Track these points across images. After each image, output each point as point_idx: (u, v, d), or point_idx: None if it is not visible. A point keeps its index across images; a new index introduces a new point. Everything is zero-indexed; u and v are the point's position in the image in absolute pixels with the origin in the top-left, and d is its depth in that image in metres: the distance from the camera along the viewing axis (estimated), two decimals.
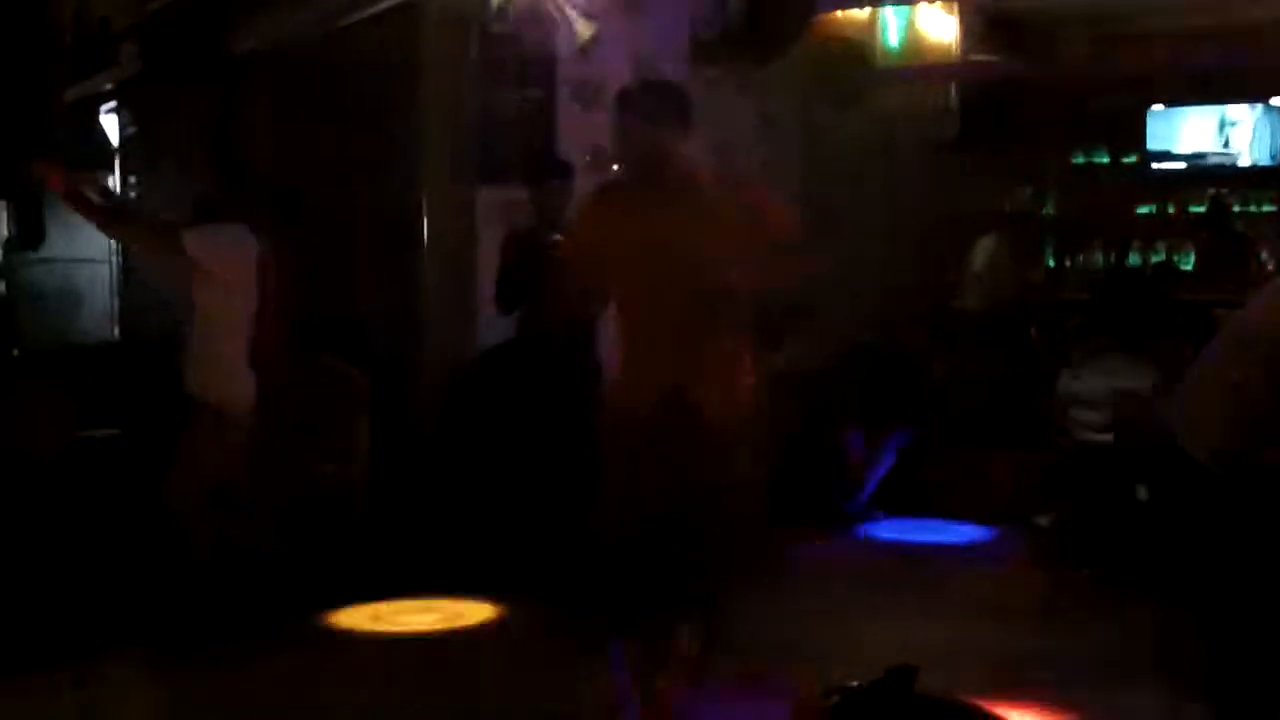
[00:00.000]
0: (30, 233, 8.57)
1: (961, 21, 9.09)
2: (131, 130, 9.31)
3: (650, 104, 3.63)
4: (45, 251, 8.99)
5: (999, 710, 1.17)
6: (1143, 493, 5.96)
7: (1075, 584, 5.72)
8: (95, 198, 6.27)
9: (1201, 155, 9.57)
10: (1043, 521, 6.44)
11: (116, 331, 9.27)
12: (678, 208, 3.49)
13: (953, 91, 9.34)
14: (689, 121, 3.63)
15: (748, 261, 3.51)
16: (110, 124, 9.51)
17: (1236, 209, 9.27)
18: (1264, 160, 9.39)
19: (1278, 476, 2.80)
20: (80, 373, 7.07)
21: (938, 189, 9.16)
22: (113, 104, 9.43)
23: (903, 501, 6.88)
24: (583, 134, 6.84)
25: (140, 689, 4.85)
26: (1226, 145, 9.53)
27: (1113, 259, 9.88)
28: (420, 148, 6.76)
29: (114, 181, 9.22)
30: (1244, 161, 9.47)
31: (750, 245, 3.50)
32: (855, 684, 1.24)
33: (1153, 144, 9.67)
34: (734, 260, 3.50)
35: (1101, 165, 10.14)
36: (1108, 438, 5.79)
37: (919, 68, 9.10)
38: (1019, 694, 4.18)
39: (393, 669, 4.75)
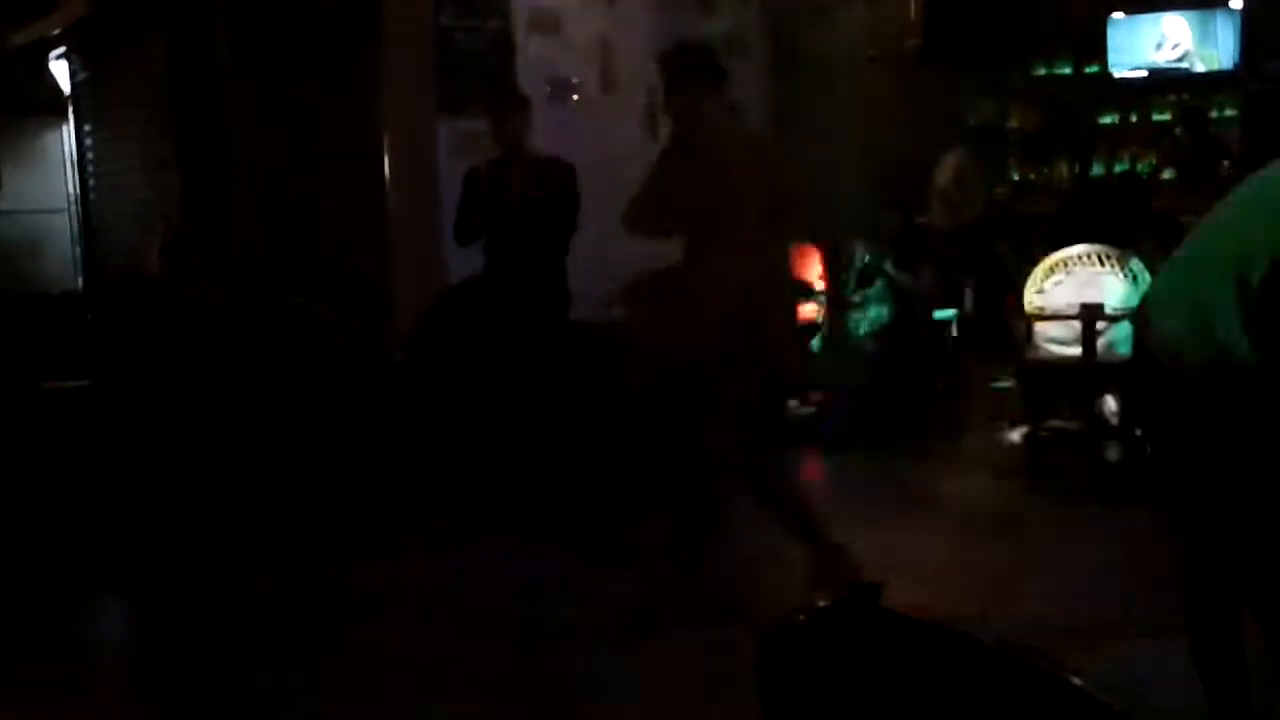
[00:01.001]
0: None
1: None
2: (83, 76, 9.15)
3: (688, 66, 4.41)
4: (5, 204, 8.88)
5: (969, 624, 1.20)
6: (1111, 405, 6.02)
7: (1046, 498, 5.79)
8: None
9: (1162, 63, 9.56)
10: (1014, 436, 6.50)
11: (80, 281, 9.20)
12: (715, 157, 4.33)
13: (916, 6, 9.29)
14: (723, 78, 4.47)
15: (764, 193, 4.30)
16: (60, 70, 9.34)
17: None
18: (1224, 65, 9.39)
19: (1243, 382, 2.83)
20: (46, 323, 7.01)
21: (902, 105, 9.15)
22: (62, 49, 9.26)
23: (876, 419, 6.93)
24: (542, 63, 6.77)
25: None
26: (1187, 53, 9.52)
27: (1078, 170, 9.90)
28: (381, 81, 6.69)
29: (68, 130, 9.08)
30: (1202, 68, 9.46)
31: (764, 181, 4.32)
32: (821, 602, 1.26)
33: (1114, 53, 9.65)
34: (761, 191, 4.28)
35: (1064, 76, 10.13)
36: (1076, 351, 5.82)
37: None
38: (994, 606, 4.25)
39: None
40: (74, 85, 9.20)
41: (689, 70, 4.43)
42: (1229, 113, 9.46)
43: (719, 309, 4.23)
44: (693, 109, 4.38)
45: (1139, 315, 3.21)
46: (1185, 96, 9.48)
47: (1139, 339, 3.11)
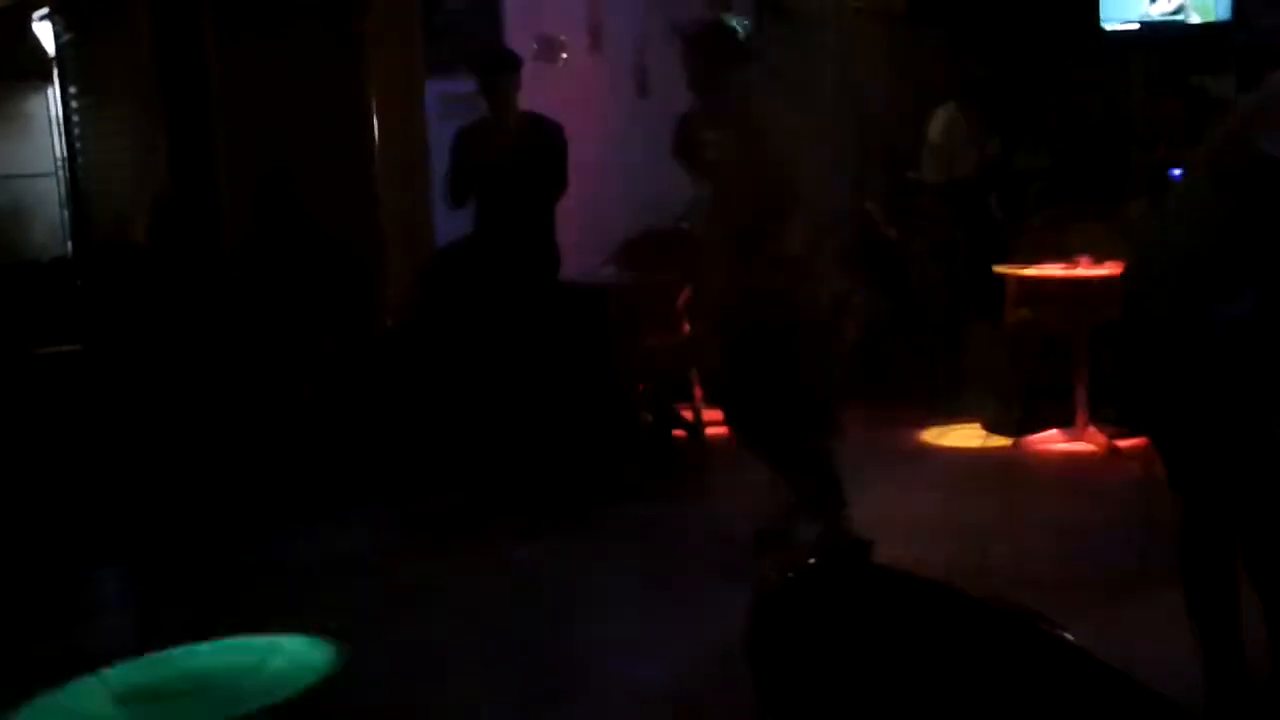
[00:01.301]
0: None
1: None
2: (68, 38, 9.06)
3: (711, 45, 4.46)
4: None
5: (962, 580, 1.20)
6: (1106, 359, 6.01)
7: (1040, 452, 5.80)
8: None
9: (1157, 16, 9.49)
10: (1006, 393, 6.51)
11: (70, 247, 9.14)
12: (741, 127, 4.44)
13: None
14: (748, 55, 4.52)
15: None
16: (44, 32, 9.24)
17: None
18: (1218, 17, 9.32)
19: (1230, 332, 2.83)
20: (36, 290, 6.98)
21: (892, 58, 9.08)
22: (45, 10, 9.16)
23: (868, 378, 6.93)
24: (530, 24, 6.71)
25: None
26: (1182, 5, 9.45)
27: (1071, 124, 9.84)
28: (368, 43, 6.64)
29: (53, 93, 8.99)
30: (1198, 19, 9.40)
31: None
32: (811, 561, 1.25)
33: (1106, 6, 9.58)
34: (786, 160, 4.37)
35: (1055, 29, 10.05)
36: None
37: None
38: (987, 561, 4.27)
39: None
40: (58, 47, 9.10)
41: (712, 55, 4.46)
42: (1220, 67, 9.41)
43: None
44: (721, 91, 4.45)
45: (1128, 269, 3.21)
46: (1177, 50, 9.41)
47: (1128, 293, 3.11)
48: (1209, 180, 2.95)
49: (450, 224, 6.12)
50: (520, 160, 5.56)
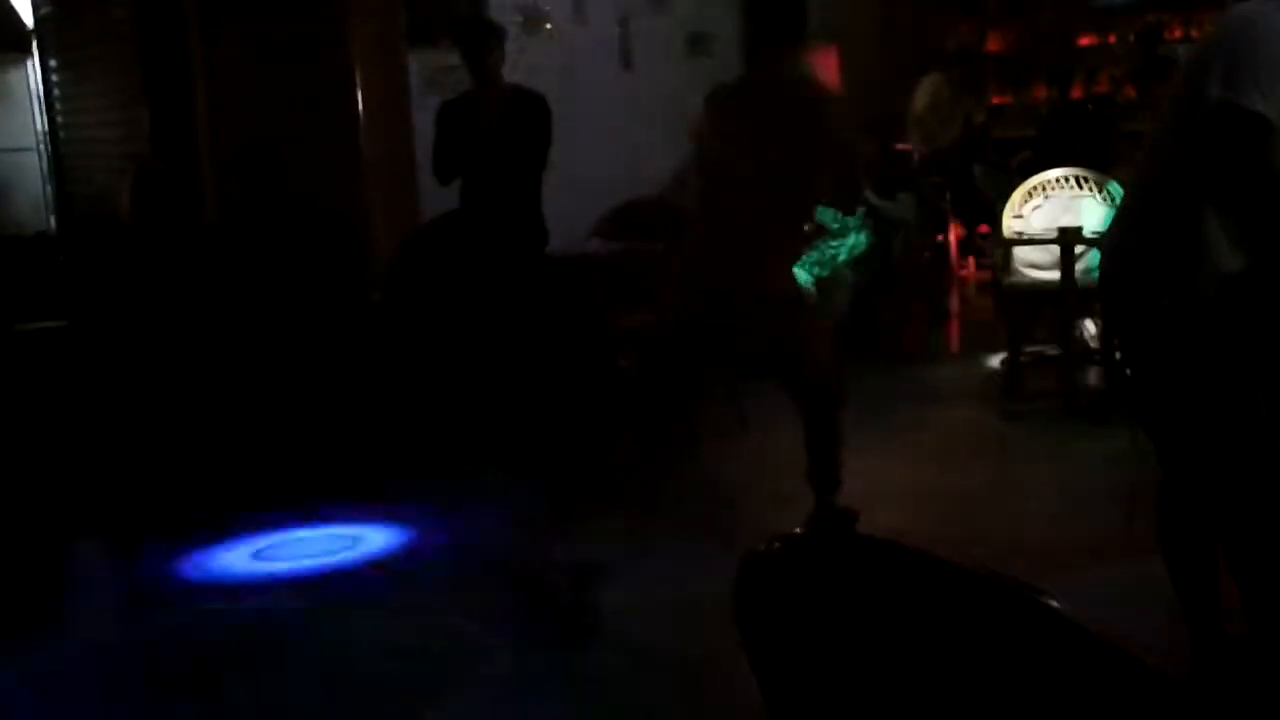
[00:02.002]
0: None
1: None
2: (47, 10, 8.99)
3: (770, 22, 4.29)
4: None
5: (948, 550, 1.20)
6: (1090, 329, 6.03)
7: (1025, 422, 5.81)
8: None
9: None
10: (994, 362, 6.52)
11: (52, 222, 9.08)
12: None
13: None
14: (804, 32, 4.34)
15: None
16: (23, 4, 9.16)
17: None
18: None
19: (1212, 304, 2.81)
20: (20, 265, 6.94)
21: (877, 27, 9.06)
22: None
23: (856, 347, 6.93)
24: None
25: None
26: None
27: (1056, 94, 9.84)
28: (350, 13, 6.60)
29: (33, 66, 8.92)
30: None
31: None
32: (796, 530, 1.25)
33: None
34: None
35: None
36: (1054, 275, 5.81)
37: None
38: (972, 530, 4.29)
39: None
40: (37, 20, 9.03)
41: (774, 27, 4.31)
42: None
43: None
44: (774, 64, 4.30)
45: (1105, 240, 3.19)
46: (1163, 17, 9.41)
47: (1103, 265, 3.09)
48: (1167, 143, 2.89)
49: (437, 197, 6.10)
50: (505, 133, 5.53)
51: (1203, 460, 2.89)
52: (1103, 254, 3.14)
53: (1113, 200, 5.76)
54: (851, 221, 7.18)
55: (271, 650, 3.83)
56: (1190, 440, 2.90)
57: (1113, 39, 9.87)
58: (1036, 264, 5.97)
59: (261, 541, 4.76)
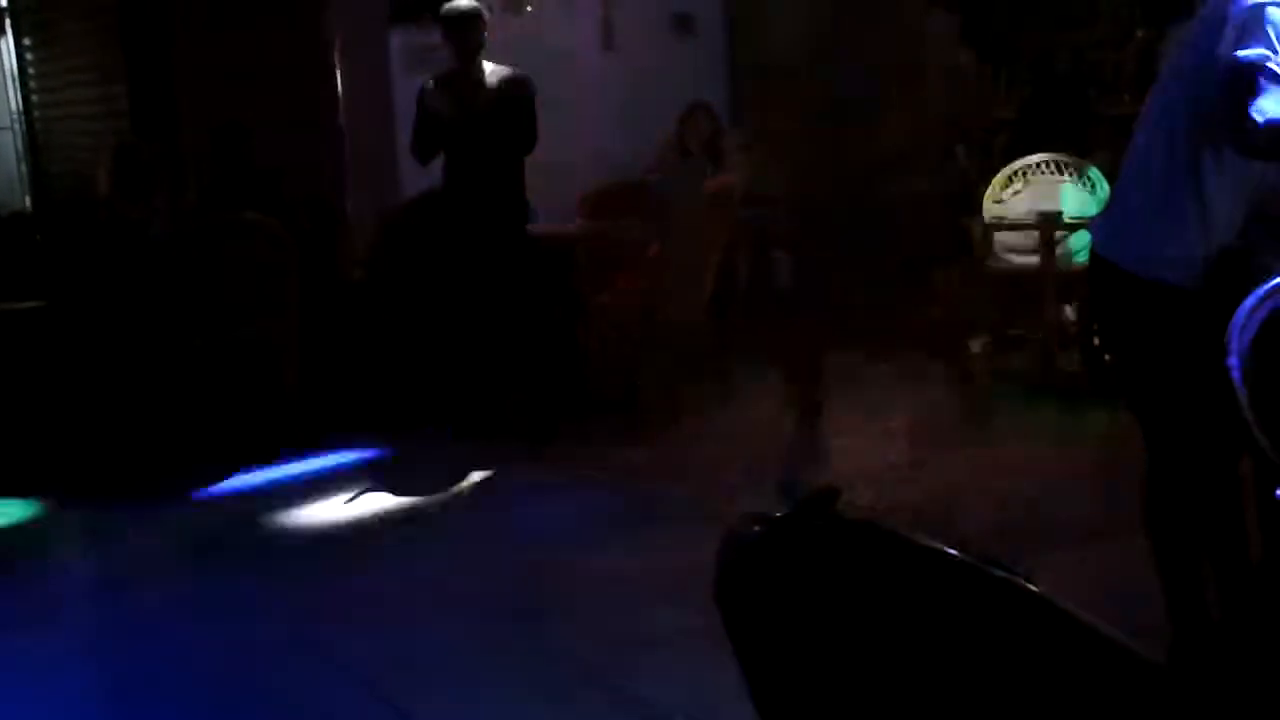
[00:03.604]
0: None
1: None
2: None
3: None
4: None
5: (928, 530, 1.20)
6: (1070, 313, 6.03)
7: (1005, 404, 5.83)
8: None
9: None
10: (974, 346, 6.52)
11: (28, 201, 9.00)
12: None
13: None
14: None
15: None
16: None
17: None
18: None
19: (1212, 280, 2.80)
20: None
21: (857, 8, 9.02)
22: None
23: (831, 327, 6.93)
24: None
25: None
26: None
27: (1040, 75, 9.81)
28: None
29: (8, 44, 8.83)
30: None
31: None
32: (778, 511, 1.25)
33: None
34: None
35: None
36: (1035, 260, 5.82)
37: None
38: (952, 511, 4.30)
39: None
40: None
41: None
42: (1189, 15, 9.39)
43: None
44: None
45: (1095, 220, 3.19)
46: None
47: (1093, 242, 3.09)
48: (1160, 120, 2.89)
49: (417, 176, 6.07)
50: (488, 114, 5.49)
51: (1189, 440, 2.89)
52: (1095, 233, 3.14)
53: (1092, 185, 5.77)
54: None
55: None
56: (1177, 421, 2.91)
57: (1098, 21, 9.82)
58: (1017, 248, 5.98)
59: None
